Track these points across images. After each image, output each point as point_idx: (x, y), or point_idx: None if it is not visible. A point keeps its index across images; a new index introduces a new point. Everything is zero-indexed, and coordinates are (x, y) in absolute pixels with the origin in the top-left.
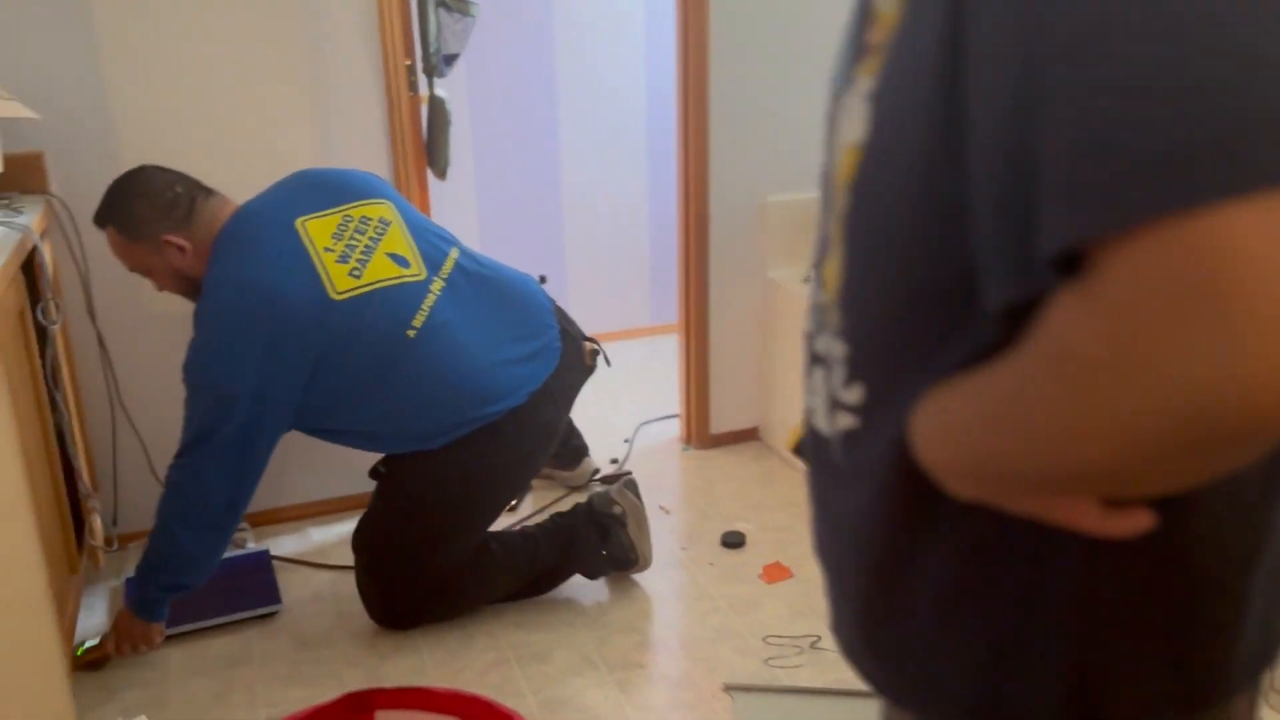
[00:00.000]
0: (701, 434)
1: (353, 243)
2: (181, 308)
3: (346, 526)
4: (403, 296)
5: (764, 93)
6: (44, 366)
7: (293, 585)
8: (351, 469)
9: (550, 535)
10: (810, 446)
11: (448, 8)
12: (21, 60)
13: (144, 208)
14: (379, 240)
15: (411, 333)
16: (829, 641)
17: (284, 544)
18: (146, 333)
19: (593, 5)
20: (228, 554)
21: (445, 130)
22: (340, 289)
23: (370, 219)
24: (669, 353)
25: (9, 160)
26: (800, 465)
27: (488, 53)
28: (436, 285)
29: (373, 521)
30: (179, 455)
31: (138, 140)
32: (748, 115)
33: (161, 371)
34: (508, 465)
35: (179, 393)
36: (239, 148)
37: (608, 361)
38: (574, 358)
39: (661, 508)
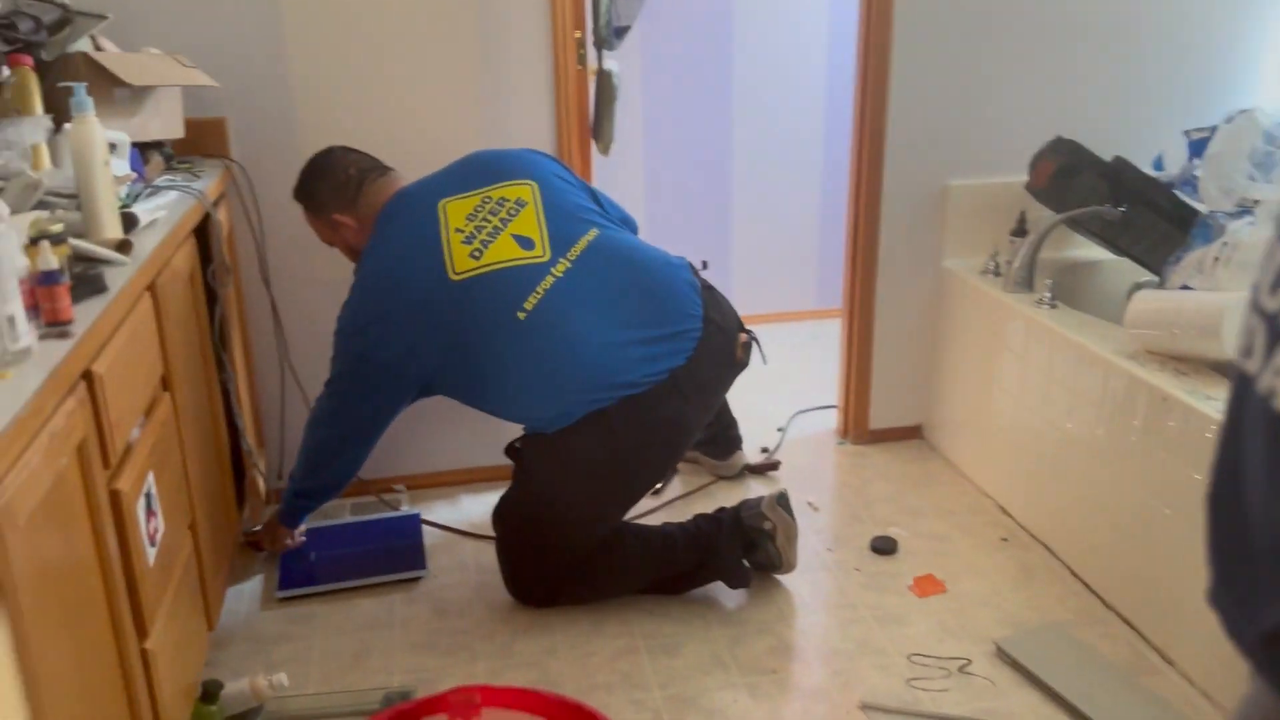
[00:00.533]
0: (859, 428)
1: (483, 224)
2: (348, 275)
3: (496, 495)
4: (518, 278)
5: (952, 70)
6: (212, 327)
7: (438, 551)
8: (505, 440)
9: (691, 539)
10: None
11: None
12: (208, 31)
13: (322, 189)
14: (509, 221)
15: (522, 314)
16: (980, 666)
17: (436, 509)
18: (316, 298)
19: None
20: (381, 515)
21: (611, 104)
22: (459, 269)
23: (507, 200)
24: (833, 339)
25: (193, 125)
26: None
27: (664, 25)
28: (560, 267)
29: (508, 498)
30: (325, 387)
31: (314, 109)
32: (932, 93)
33: (329, 336)
34: (624, 455)
35: None
36: (409, 118)
37: (763, 357)
38: (719, 351)
39: (809, 504)
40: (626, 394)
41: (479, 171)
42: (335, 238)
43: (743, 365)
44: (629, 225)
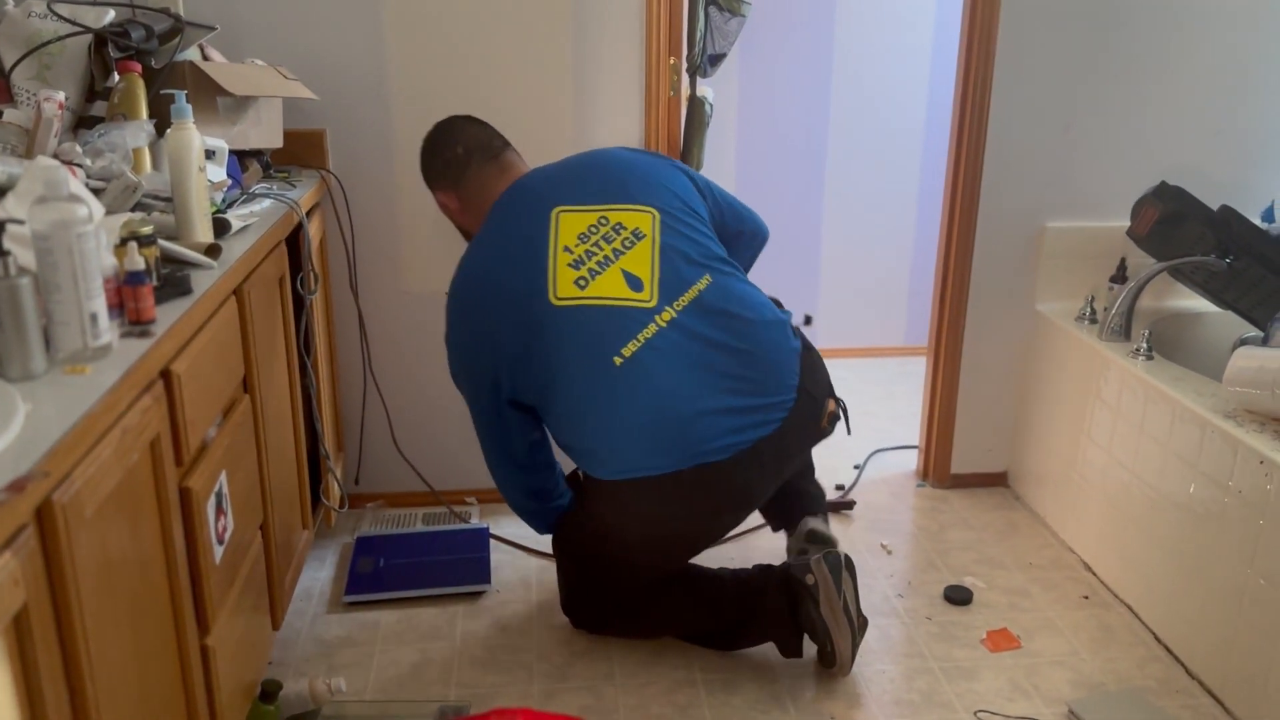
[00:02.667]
0: (940, 471)
1: (594, 250)
2: (436, 289)
3: None
4: (621, 320)
5: (1053, 107)
6: (298, 333)
7: (503, 567)
8: None
9: (741, 585)
10: None
11: (719, 6)
12: (312, 45)
13: (428, 161)
14: (622, 254)
15: (618, 360)
16: None
17: (505, 524)
18: (403, 310)
19: (877, 9)
20: (450, 527)
21: (702, 131)
22: (561, 295)
23: (625, 227)
24: (919, 378)
25: (292, 135)
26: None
27: (762, 53)
28: (665, 316)
29: (566, 524)
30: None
31: (411, 125)
32: (1032, 131)
33: (411, 348)
34: (689, 516)
35: (425, 369)
36: (502, 132)
37: (848, 428)
38: (807, 419)
39: (883, 546)
40: (705, 460)
41: (603, 180)
42: (443, 211)
43: (825, 434)
44: (746, 232)
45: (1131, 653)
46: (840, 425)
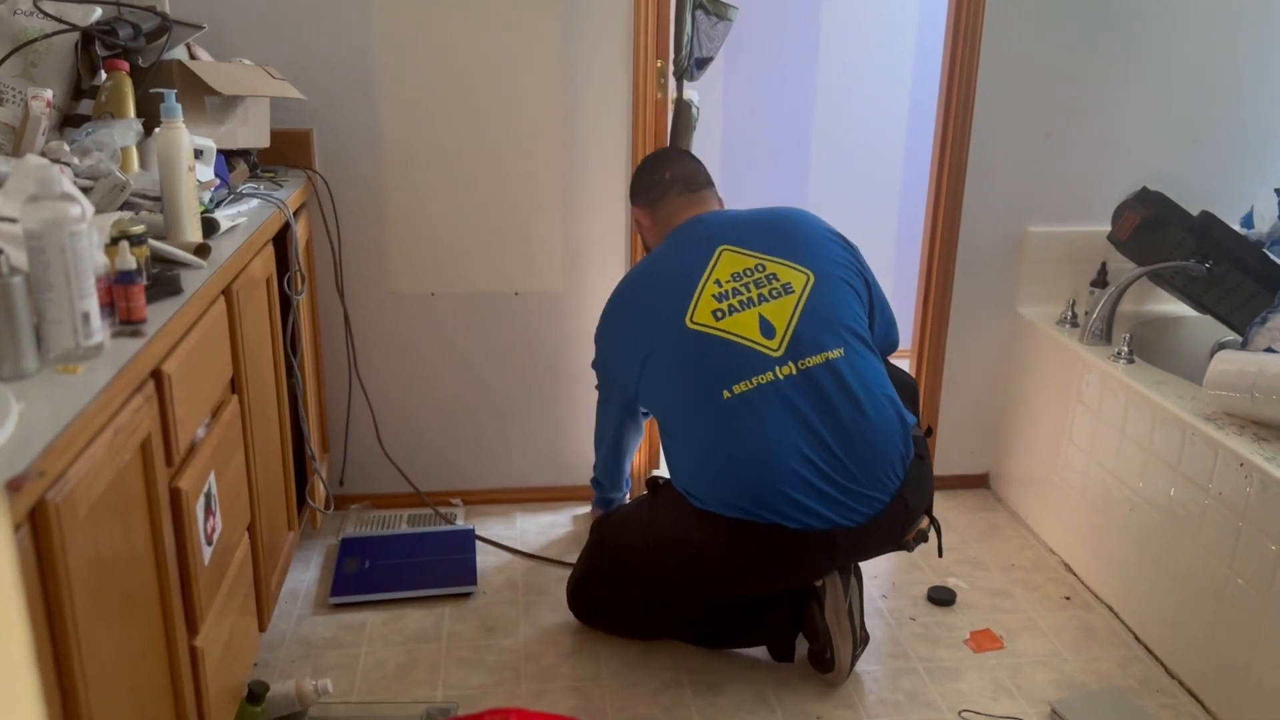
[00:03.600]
0: None
1: (741, 290)
2: (422, 290)
3: (550, 517)
4: (742, 359)
5: (1036, 113)
6: (285, 334)
7: (490, 569)
8: (563, 462)
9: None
10: None
11: (705, 10)
12: (300, 45)
13: (637, 179)
14: (765, 300)
15: (727, 394)
16: None
17: (491, 526)
18: (388, 311)
19: (862, 15)
20: (436, 528)
21: (688, 134)
22: (696, 320)
23: (777, 279)
24: None
25: (279, 135)
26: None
27: (748, 57)
28: (785, 370)
29: (621, 515)
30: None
31: (398, 125)
32: (1015, 137)
33: (397, 349)
34: (742, 567)
35: (411, 370)
36: (489, 139)
37: (940, 549)
38: (893, 529)
39: None
40: (778, 522)
41: (776, 234)
42: (637, 229)
43: (907, 549)
44: (889, 338)
45: (1112, 653)
46: (928, 546)
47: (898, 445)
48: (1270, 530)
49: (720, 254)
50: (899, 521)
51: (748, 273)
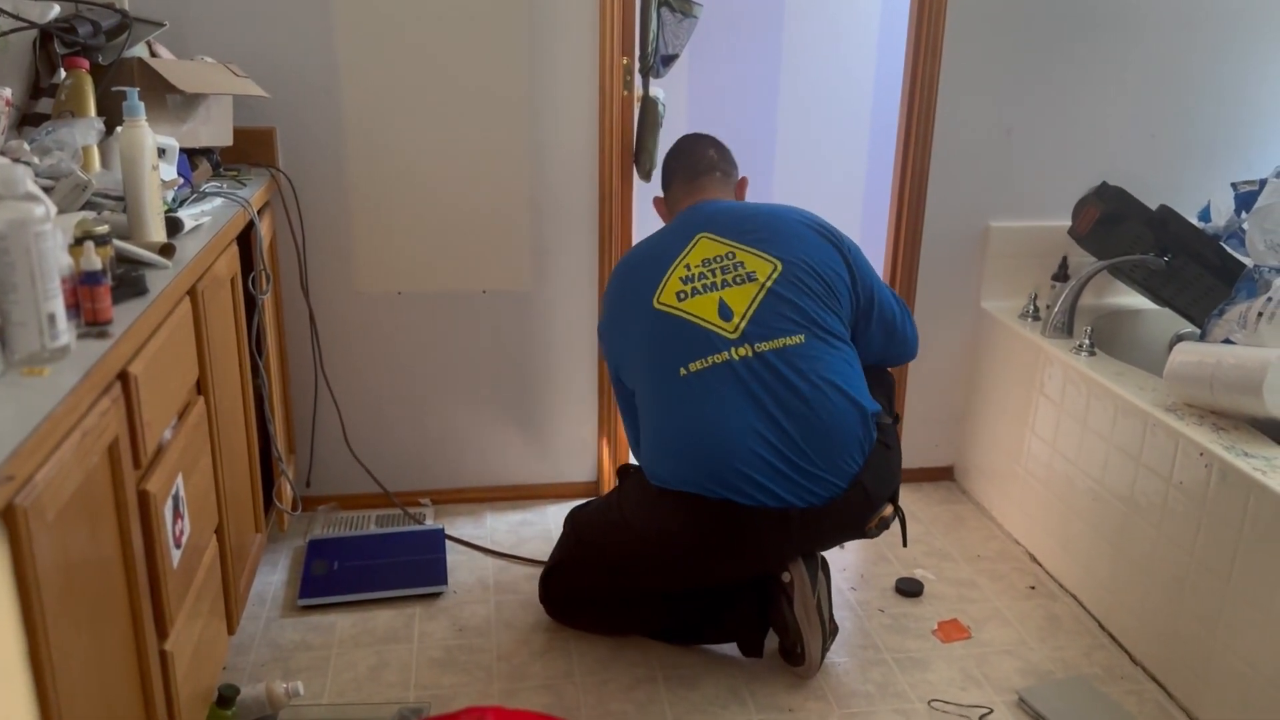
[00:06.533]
0: None
1: (707, 274)
2: (387, 289)
3: (520, 515)
4: (697, 339)
5: (997, 111)
6: (250, 334)
7: (460, 568)
8: (532, 461)
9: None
10: None
11: (670, 7)
12: (262, 42)
13: (665, 165)
14: (728, 285)
15: (683, 372)
16: (1001, 716)
17: (460, 525)
18: (354, 310)
19: (824, 14)
20: (405, 528)
21: (654, 131)
22: (661, 301)
23: (744, 266)
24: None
25: (242, 133)
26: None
27: (712, 55)
28: (740, 352)
29: (591, 507)
30: None
31: (362, 122)
32: (977, 134)
33: (363, 348)
34: (703, 548)
35: (378, 369)
36: (455, 134)
37: (904, 539)
38: (851, 516)
39: None
40: (729, 497)
41: (755, 225)
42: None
43: (869, 536)
44: (890, 350)
45: (1078, 641)
46: (893, 536)
47: (855, 431)
48: (1230, 518)
49: (698, 240)
50: (858, 507)
51: (717, 259)
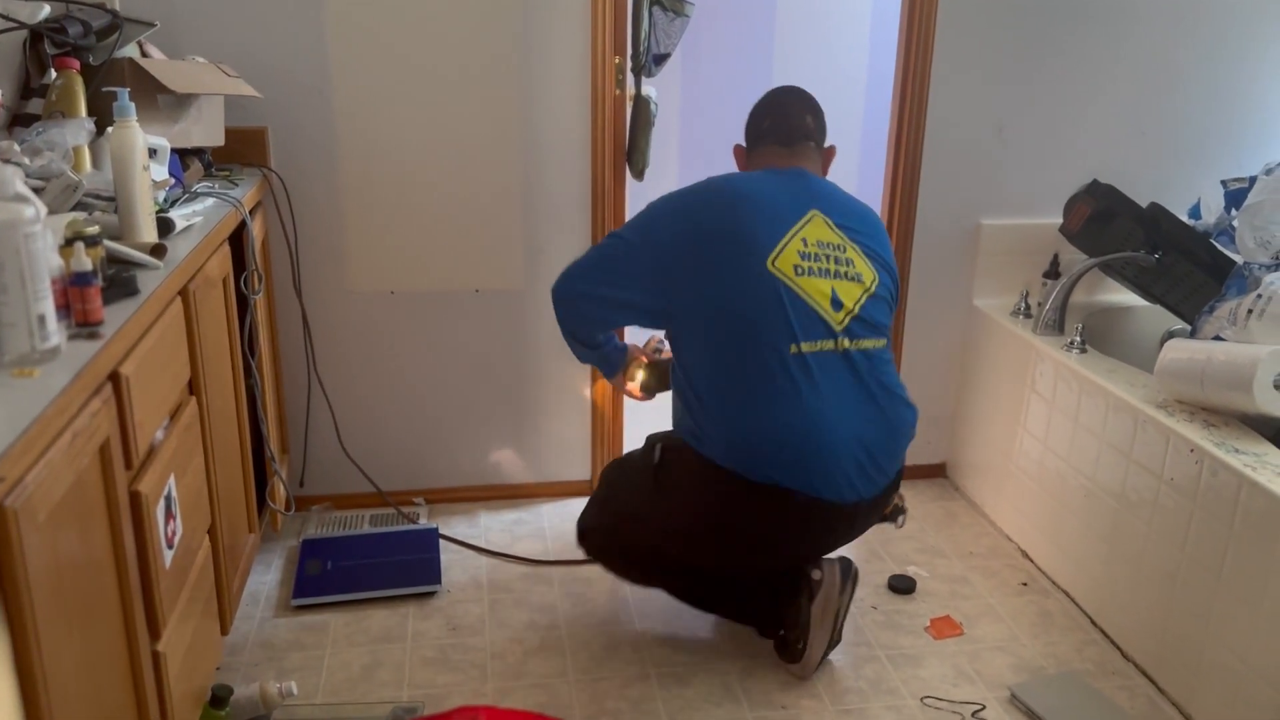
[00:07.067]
0: None
1: (824, 258)
2: (381, 288)
3: (514, 514)
4: (813, 320)
5: (989, 109)
6: (243, 334)
7: (454, 567)
8: (526, 460)
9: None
10: None
11: (662, 6)
12: (254, 42)
13: (750, 117)
14: (841, 278)
15: (795, 349)
16: (993, 712)
17: (454, 525)
18: (347, 310)
19: (816, 13)
20: (398, 528)
21: (647, 131)
22: (778, 265)
23: (853, 265)
24: None
25: (233, 133)
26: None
27: (705, 53)
28: (844, 344)
29: (623, 473)
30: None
31: (354, 121)
32: (968, 132)
33: (356, 348)
34: (759, 541)
35: (371, 369)
36: (448, 135)
37: (901, 523)
38: (885, 500)
39: None
40: (820, 493)
41: (861, 222)
42: (734, 157)
43: (883, 521)
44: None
45: (1069, 637)
46: (885, 532)
47: (910, 434)
48: (1220, 514)
49: (812, 216)
50: (889, 494)
51: (832, 247)
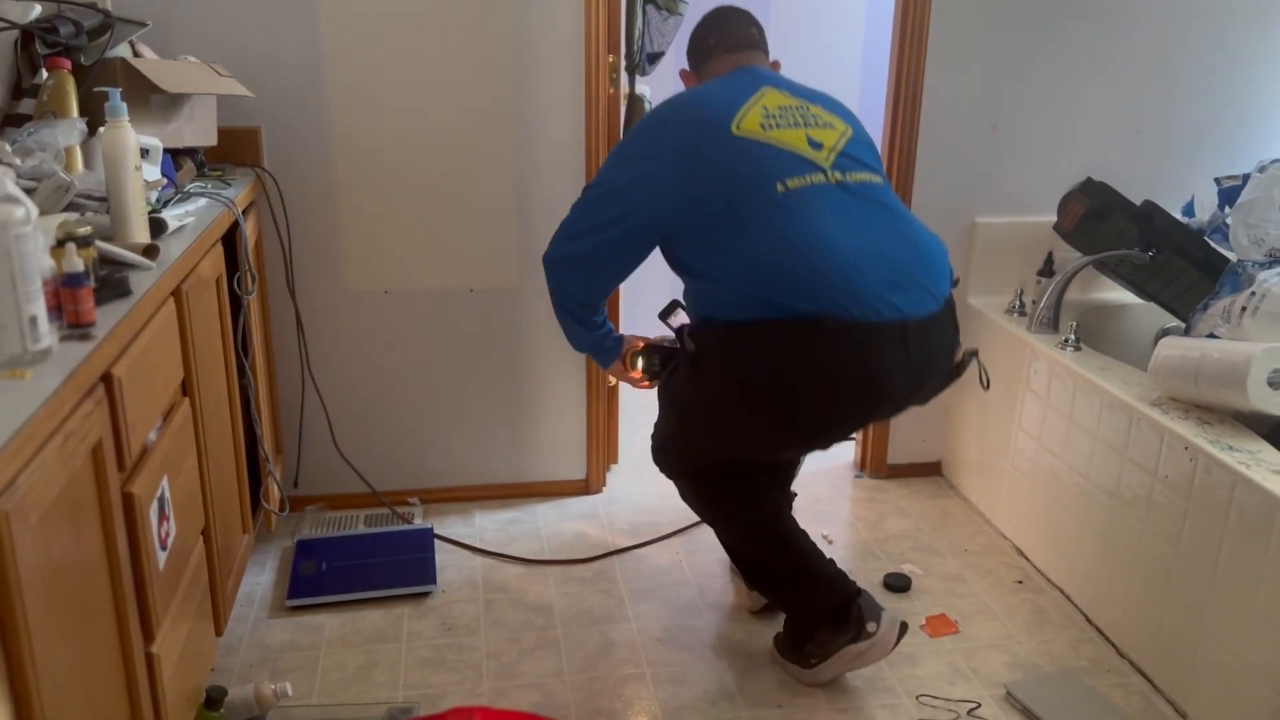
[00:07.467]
0: (877, 462)
1: (786, 117)
2: (375, 288)
3: (509, 514)
4: (792, 161)
5: (982, 107)
6: (236, 334)
7: (449, 567)
8: (521, 459)
9: (806, 558)
10: None
11: (656, 5)
12: (246, 41)
13: (691, 40)
14: (811, 126)
15: (780, 188)
16: (989, 710)
17: (449, 524)
18: (341, 310)
19: (809, 11)
20: (393, 528)
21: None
22: (742, 128)
23: (820, 118)
24: None
25: (226, 133)
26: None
27: None
28: (834, 177)
29: (674, 387)
30: (549, 245)
31: (348, 121)
32: (962, 130)
33: (350, 347)
34: (811, 387)
35: (365, 368)
36: (442, 134)
37: (984, 380)
38: (950, 334)
39: (824, 536)
40: (848, 311)
41: (816, 95)
42: (681, 79)
43: (953, 376)
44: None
45: (1064, 635)
46: (975, 377)
47: (942, 253)
48: (1215, 511)
49: (764, 91)
50: (951, 328)
51: (793, 108)
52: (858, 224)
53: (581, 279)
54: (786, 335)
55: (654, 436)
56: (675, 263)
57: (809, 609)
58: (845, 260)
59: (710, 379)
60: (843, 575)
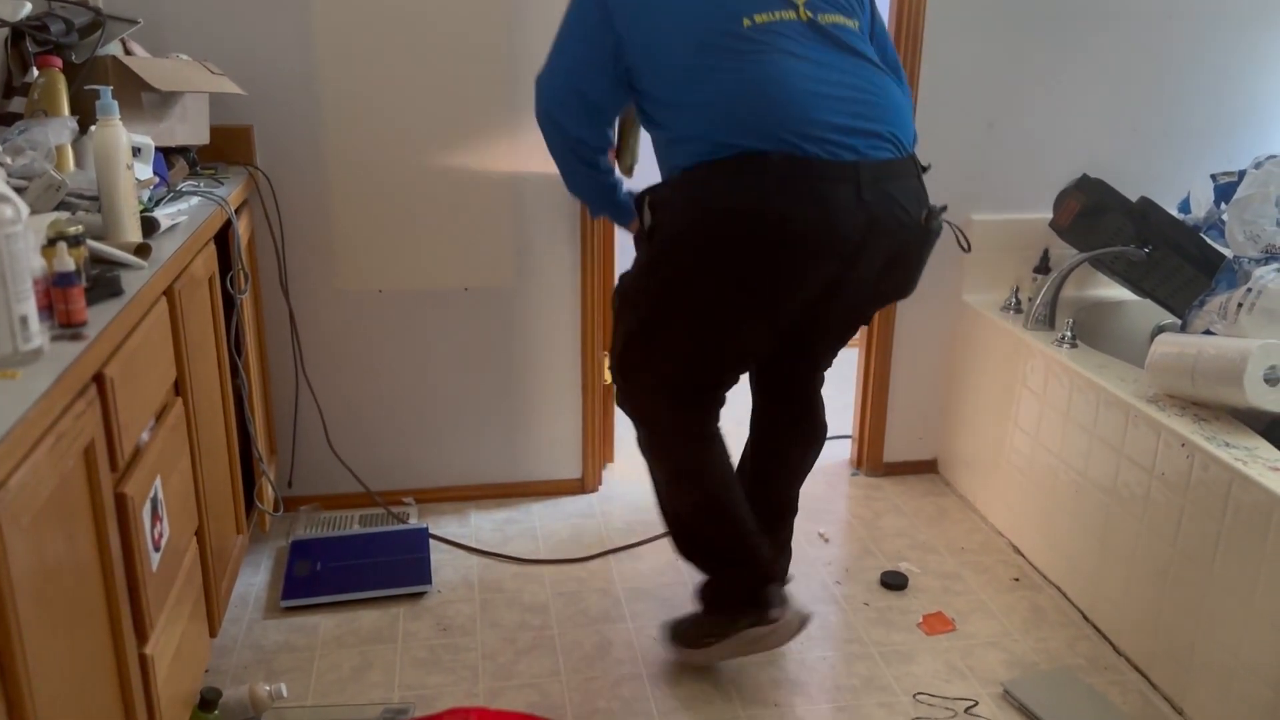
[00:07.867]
0: (874, 460)
1: None
2: (369, 287)
3: (504, 513)
4: None
5: (978, 104)
6: (229, 333)
7: (444, 567)
8: (516, 458)
9: (746, 545)
10: None
11: None
12: (239, 39)
13: None
14: None
15: (747, 22)
16: (986, 708)
17: (444, 524)
18: (335, 309)
19: None
20: (388, 528)
21: (636, 129)
22: None
23: None
24: (850, 369)
25: (219, 132)
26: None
27: None
28: (804, 14)
29: (627, 273)
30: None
31: (341, 120)
32: (957, 126)
33: (344, 347)
34: (763, 237)
35: (359, 368)
36: (434, 133)
37: (965, 243)
38: (916, 187)
39: (820, 534)
40: (804, 148)
41: None
42: None
43: (933, 235)
44: (888, 55)
45: (1061, 632)
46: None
47: (907, 109)
48: (1211, 509)
49: None
50: (914, 187)
51: None
52: (821, 64)
53: (575, 115)
54: (734, 169)
55: (611, 353)
56: (643, 116)
57: (733, 588)
58: (803, 99)
59: (662, 241)
60: (771, 559)
